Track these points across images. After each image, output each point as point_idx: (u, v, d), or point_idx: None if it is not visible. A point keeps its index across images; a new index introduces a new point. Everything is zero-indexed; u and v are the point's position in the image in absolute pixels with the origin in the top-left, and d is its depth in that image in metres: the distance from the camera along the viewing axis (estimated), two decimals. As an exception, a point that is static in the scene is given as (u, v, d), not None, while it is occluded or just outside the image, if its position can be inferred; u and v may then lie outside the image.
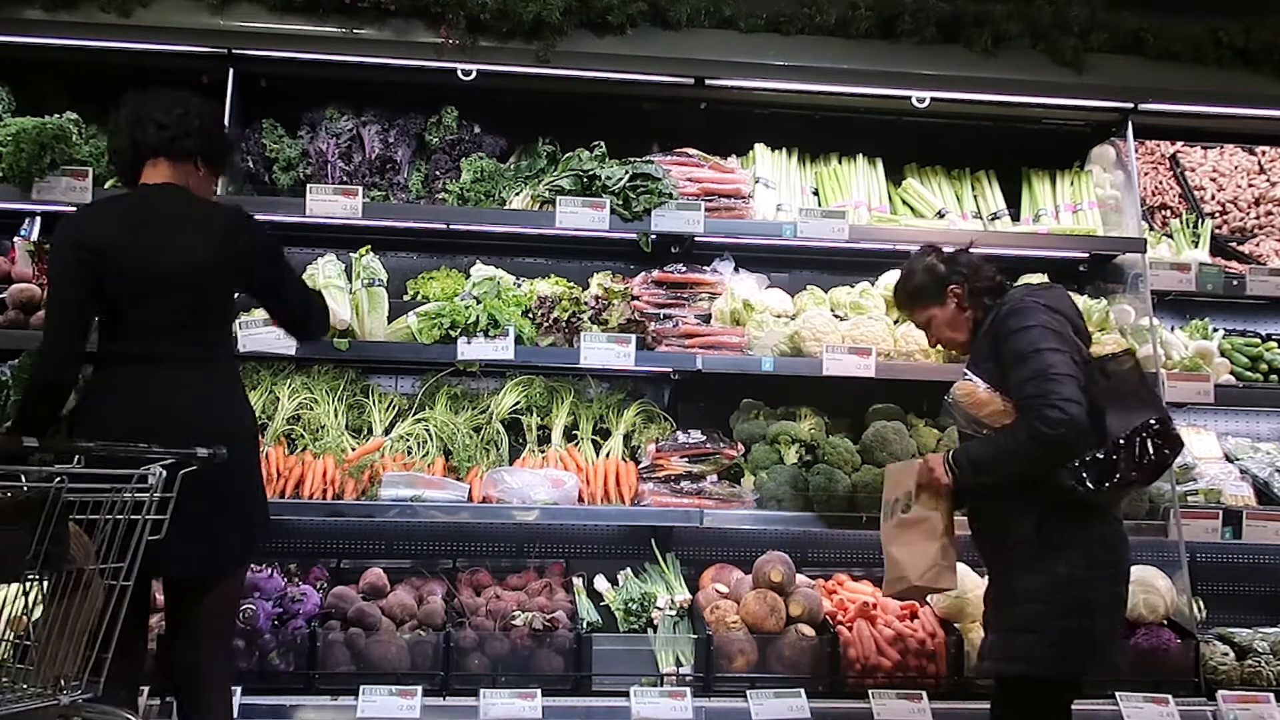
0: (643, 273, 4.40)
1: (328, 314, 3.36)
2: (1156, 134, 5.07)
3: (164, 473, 2.51)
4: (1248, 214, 5.00)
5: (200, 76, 4.15)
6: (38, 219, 4.26)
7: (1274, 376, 4.64)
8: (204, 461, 2.58)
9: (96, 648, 2.50)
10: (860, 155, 4.70)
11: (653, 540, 4.28)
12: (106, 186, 4.00)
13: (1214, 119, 4.74)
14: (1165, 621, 4.04)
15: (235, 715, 3.17)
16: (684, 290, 4.36)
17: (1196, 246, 4.72)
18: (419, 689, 3.61)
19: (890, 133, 4.73)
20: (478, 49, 4.15)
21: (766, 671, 3.78)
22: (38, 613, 2.49)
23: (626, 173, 4.19)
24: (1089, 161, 4.83)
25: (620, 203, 4.15)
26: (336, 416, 4.19)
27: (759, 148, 4.63)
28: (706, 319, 4.35)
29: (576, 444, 4.32)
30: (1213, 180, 5.08)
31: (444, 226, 4.41)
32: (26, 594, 2.49)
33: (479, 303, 4.13)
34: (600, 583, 4.13)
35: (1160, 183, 5.07)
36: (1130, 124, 4.60)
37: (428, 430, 4.20)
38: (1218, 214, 4.98)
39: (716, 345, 4.19)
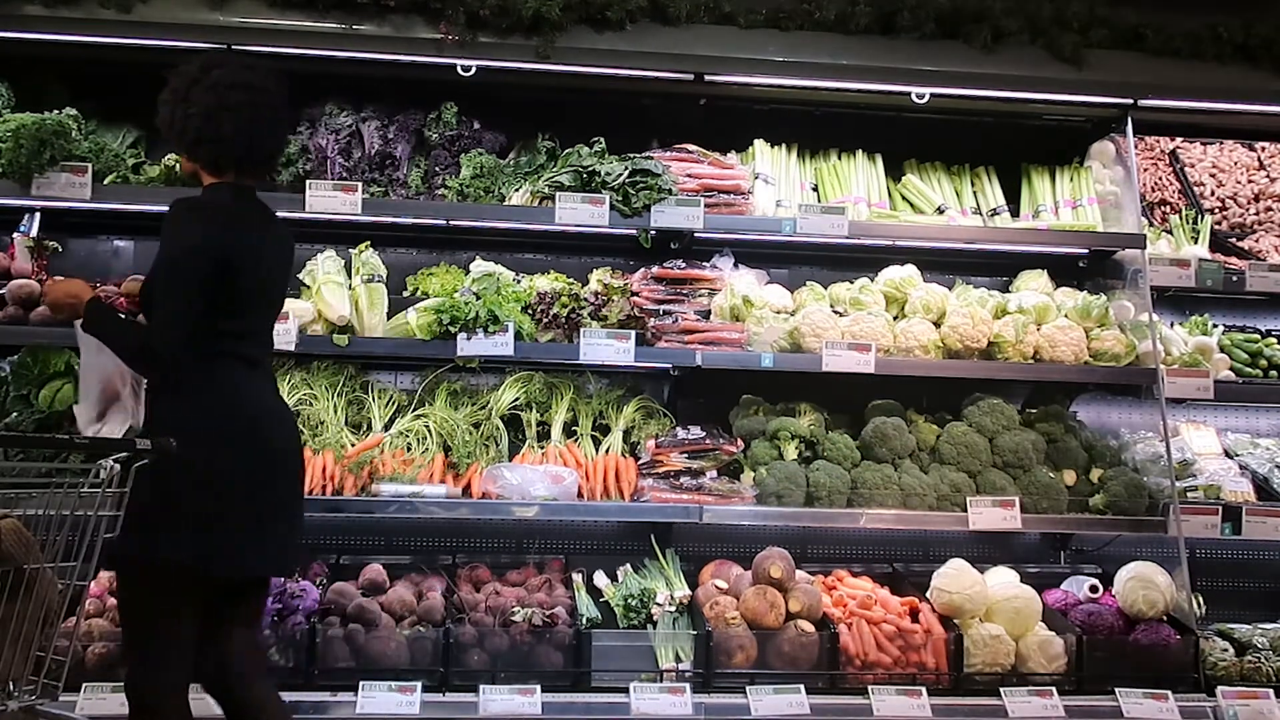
0: (642, 269, 4.40)
1: None
2: (1156, 130, 5.07)
3: (117, 467, 2.46)
4: (1247, 210, 5.00)
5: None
6: (37, 215, 4.25)
7: (1274, 372, 4.64)
8: (154, 453, 2.54)
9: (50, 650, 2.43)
10: (860, 151, 4.70)
11: (652, 536, 4.28)
12: (106, 183, 4.01)
13: (1214, 115, 4.74)
14: (1165, 617, 4.04)
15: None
16: (683, 286, 4.35)
17: (1196, 242, 4.72)
18: (418, 685, 3.60)
19: (890, 128, 4.72)
20: (477, 45, 4.15)
21: (766, 668, 3.78)
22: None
23: (626, 169, 4.19)
24: (1089, 157, 4.83)
25: (620, 199, 4.15)
26: (336, 412, 4.19)
27: (758, 144, 4.63)
28: (706, 315, 4.34)
29: (576, 440, 4.32)
30: (1212, 176, 5.08)
31: (443, 223, 4.42)
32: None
33: (479, 299, 4.13)
34: (600, 579, 4.13)
35: (1160, 179, 5.07)
36: (1130, 120, 4.60)
37: (427, 426, 4.20)
38: (1217, 210, 4.98)
39: (716, 341, 4.19)
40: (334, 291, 4.07)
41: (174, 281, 2.83)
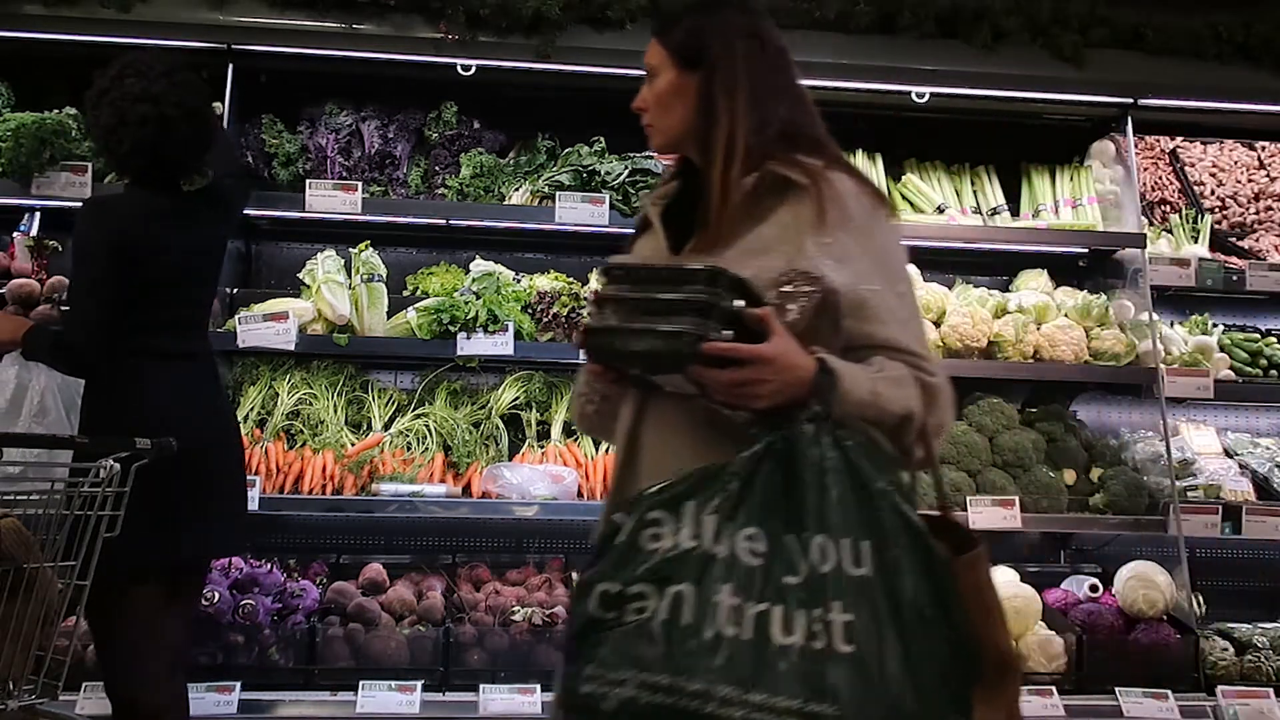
0: (642, 268, 4.39)
1: None
2: (1156, 129, 5.06)
3: (117, 466, 2.47)
4: (1247, 209, 4.99)
5: (199, 72, 4.14)
6: (37, 214, 4.25)
7: (1274, 372, 4.63)
8: (154, 452, 2.54)
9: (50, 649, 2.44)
10: (859, 150, 4.69)
11: (652, 536, 4.27)
12: (106, 182, 4.00)
13: (1214, 114, 4.73)
14: (1165, 617, 4.04)
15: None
16: (683, 286, 4.34)
17: (1196, 242, 4.72)
18: (418, 684, 3.60)
19: (889, 128, 4.72)
20: (477, 44, 4.14)
21: (766, 666, 3.78)
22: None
23: (626, 168, 4.19)
24: (1089, 157, 4.82)
25: (620, 198, 4.15)
26: (335, 412, 4.19)
27: (758, 143, 4.62)
28: (706, 314, 4.33)
29: (576, 440, 4.31)
30: (1212, 175, 5.07)
31: (443, 222, 4.41)
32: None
33: (478, 298, 4.13)
34: (600, 578, 4.12)
35: (1160, 178, 5.06)
36: (1130, 119, 4.59)
37: (427, 426, 4.20)
38: (1217, 209, 4.97)
39: (716, 341, 4.18)
40: (334, 291, 4.07)
41: (80, 277, 2.88)
